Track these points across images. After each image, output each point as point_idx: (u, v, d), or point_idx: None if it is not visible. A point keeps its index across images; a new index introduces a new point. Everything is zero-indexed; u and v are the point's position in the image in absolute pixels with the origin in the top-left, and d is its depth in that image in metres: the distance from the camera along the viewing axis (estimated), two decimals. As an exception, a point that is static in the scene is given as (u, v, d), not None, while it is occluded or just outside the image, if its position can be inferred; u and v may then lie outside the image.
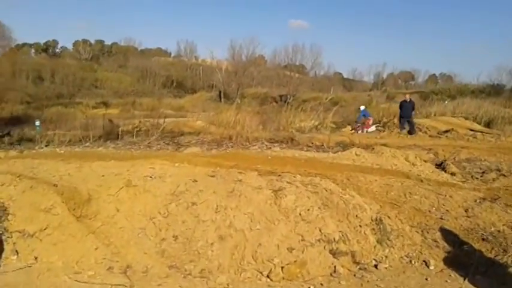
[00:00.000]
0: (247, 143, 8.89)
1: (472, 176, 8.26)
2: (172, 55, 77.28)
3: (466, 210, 5.05)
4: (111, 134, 11.35)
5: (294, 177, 5.52)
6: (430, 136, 15.20)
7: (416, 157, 8.08)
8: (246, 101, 41.89)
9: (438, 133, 15.79)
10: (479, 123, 18.37)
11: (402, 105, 16.18)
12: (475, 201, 5.36)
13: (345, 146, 8.95)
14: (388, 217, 4.69)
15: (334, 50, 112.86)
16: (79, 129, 12.83)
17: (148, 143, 9.19)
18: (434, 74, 70.60)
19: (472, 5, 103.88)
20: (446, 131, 15.73)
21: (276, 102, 46.32)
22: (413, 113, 16.16)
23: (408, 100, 16.25)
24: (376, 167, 7.21)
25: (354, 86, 64.92)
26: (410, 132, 16.50)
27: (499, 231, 4.52)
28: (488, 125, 18.38)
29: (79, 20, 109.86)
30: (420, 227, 4.64)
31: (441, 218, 4.84)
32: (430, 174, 7.43)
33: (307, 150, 8.38)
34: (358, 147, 8.81)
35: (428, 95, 40.26)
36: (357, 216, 4.62)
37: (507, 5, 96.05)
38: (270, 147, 8.50)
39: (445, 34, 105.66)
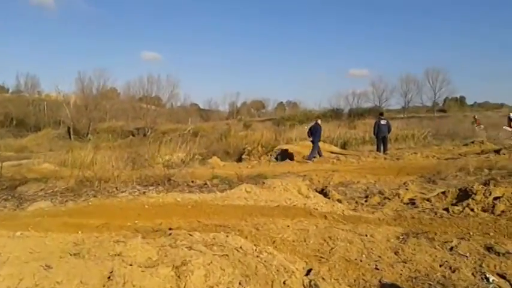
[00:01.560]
0: (115, 189, 7.09)
1: (356, 202, 7.83)
2: (10, 91, 67.93)
3: (396, 253, 4.22)
4: None
5: (191, 235, 4.08)
6: (297, 162, 15.00)
7: (308, 188, 7.30)
8: (100, 136, 38.28)
9: (303, 158, 15.72)
10: (336, 146, 19.07)
11: (316, 128, 15.79)
12: (398, 238, 4.60)
13: (229, 182, 7.77)
14: (322, 278, 3.56)
15: (188, 81, 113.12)
16: None
17: (-23, 200, 6.76)
18: (281, 102, 74.99)
19: (309, 39, 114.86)
20: (312, 155, 15.77)
21: (134, 135, 43.56)
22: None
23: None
24: (273, 205, 6.17)
25: (211, 116, 65.04)
26: (277, 159, 16.25)
27: (444, 276, 3.74)
28: (344, 146, 19.22)
29: None
30: (359, 285, 3.63)
31: (376, 268, 3.91)
32: (325, 206, 6.67)
33: (189, 192, 6.96)
34: (242, 181, 7.76)
35: (279, 122, 42.19)
36: (284, 283, 3.39)
37: (338, 40, 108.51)
38: (145, 192, 6.86)
39: (289, 64, 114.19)
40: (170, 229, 4.49)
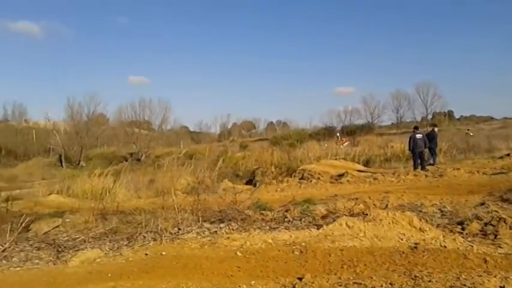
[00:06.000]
0: (176, 228, 5.31)
1: (451, 230, 6.29)
2: (-2, 120, 64.23)
3: None
4: None
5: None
6: (331, 183, 13.43)
7: (421, 220, 5.69)
8: (92, 163, 35.91)
9: (332, 178, 14.16)
10: (359, 163, 17.55)
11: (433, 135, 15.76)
12: None
13: (311, 213, 6.07)
14: None
15: (177, 103, 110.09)
16: None
17: (3, 250, 4.88)
18: (272, 122, 73.10)
19: (294, 57, 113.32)
20: (341, 175, 14.19)
21: (127, 160, 41.22)
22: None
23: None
24: (392, 245, 4.56)
25: (202, 138, 62.79)
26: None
27: None
28: (367, 164, 17.73)
29: None
30: None
31: None
32: (449, 242, 5.09)
33: (271, 228, 5.27)
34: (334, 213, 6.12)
35: (276, 141, 40.58)
36: None
37: (323, 58, 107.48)
38: (216, 231, 5.15)
39: (275, 83, 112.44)
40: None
